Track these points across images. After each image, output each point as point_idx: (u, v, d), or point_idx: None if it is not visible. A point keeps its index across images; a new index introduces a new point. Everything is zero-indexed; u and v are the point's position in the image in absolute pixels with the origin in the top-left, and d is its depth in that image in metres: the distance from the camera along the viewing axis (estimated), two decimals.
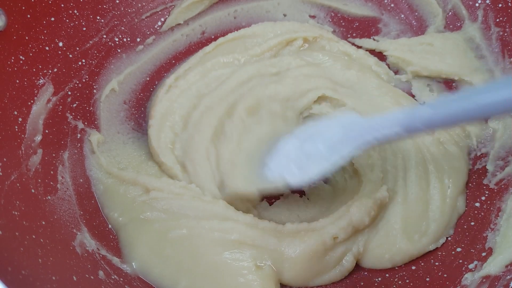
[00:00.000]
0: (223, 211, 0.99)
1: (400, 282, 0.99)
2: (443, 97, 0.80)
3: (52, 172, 1.02)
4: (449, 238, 1.02)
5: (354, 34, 1.26)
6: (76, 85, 1.11)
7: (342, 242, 0.98)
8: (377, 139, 0.84)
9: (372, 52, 1.23)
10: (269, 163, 0.95)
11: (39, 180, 0.98)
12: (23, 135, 0.98)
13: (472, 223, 1.03)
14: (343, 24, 1.28)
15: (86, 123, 1.12)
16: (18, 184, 0.92)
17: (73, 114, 1.11)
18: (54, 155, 1.04)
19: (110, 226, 1.05)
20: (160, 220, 1.01)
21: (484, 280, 0.89)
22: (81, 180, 1.07)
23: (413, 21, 1.23)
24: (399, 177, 1.05)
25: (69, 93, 1.10)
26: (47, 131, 1.04)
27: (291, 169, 0.91)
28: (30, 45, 1.02)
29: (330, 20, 1.28)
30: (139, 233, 1.01)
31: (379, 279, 1.01)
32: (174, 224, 1.00)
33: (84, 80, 1.13)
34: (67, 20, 1.10)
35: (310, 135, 0.93)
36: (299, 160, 0.91)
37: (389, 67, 1.22)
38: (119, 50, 1.20)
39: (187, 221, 0.99)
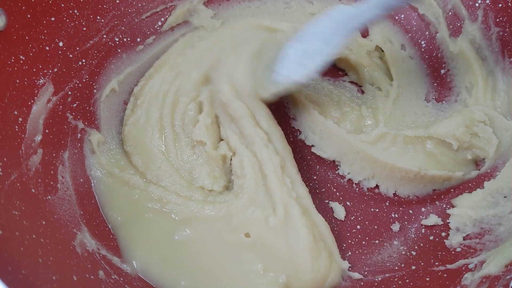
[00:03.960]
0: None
1: (400, 282, 1.00)
2: None
3: (52, 172, 1.02)
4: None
5: None
6: (76, 85, 1.11)
7: None
8: (361, 24, 0.97)
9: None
10: (276, 69, 1.06)
11: (39, 180, 0.98)
12: (23, 135, 0.98)
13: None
14: None
15: (86, 123, 1.12)
16: (18, 184, 0.92)
17: (73, 114, 1.11)
18: (54, 155, 1.04)
19: (110, 226, 1.05)
20: (166, 221, 1.02)
21: (484, 280, 0.89)
22: (81, 180, 1.07)
23: (413, 21, 1.23)
24: None
25: (69, 93, 1.10)
26: (47, 131, 1.04)
27: (294, 68, 1.03)
28: (30, 45, 1.02)
29: None
30: (141, 232, 1.01)
31: (379, 279, 1.01)
32: (181, 225, 1.00)
33: (84, 80, 1.13)
34: (67, 20, 1.10)
35: (305, 36, 1.04)
36: (299, 59, 1.03)
37: None
38: (119, 50, 1.20)
39: (196, 223, 1.00)
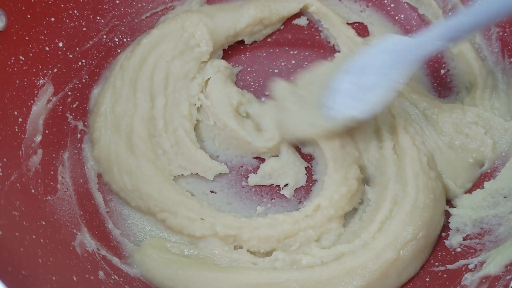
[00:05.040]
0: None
1: None
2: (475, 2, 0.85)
3: (52, 172, 1.02)
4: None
5: None
6: (76, 85, 1.11)
7: None
8: (423, 56, 0.91)
9: None
10: (328, 103, 0.98)
11: (39, 180, 0.98)
12: (23, 135, 0.98)
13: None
14: None
15: (86, 123, 1.12)
16: (18, 184, 0.92)
17: (73, 114, 1.11)
18: (54, 155, 1.04)
19: (110, 225, 1.05)
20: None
21: (484, 280, 0.89)
22: (81, 181, 1.07)
23: (413, 22, 1.23)
24: None
25: (69, 93, 1.10)
26: (47, 131, 1.04)
27: (351, 103, 0.95)
28: (30, 45, 1.02)
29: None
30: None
31: None
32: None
33: (84, 81, 1.13)
34: (67, 20, 1.10)
35: (361, 68, 0.96)
36: (356, 94, 0.95)
37: None
38: (119, 50, 1.20)
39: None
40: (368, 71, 0.95)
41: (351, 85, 0.96)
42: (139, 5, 1.23)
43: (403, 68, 0.92)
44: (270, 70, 1.23)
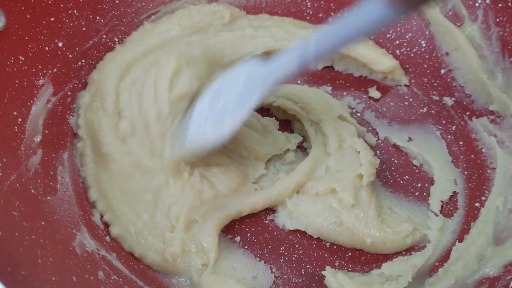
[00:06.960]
0: None
1: None
2: (324, 27, 0.80)
3: (51, 173, 1.02)
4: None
5: None
6: (75, 85, 1.11)
7: None
8: (276, 82, 0.87)
9: None
10: (187, 128, 0.97)
11: (39, 181, 0.98)
12: (22, 136, 0.98)
13: (472, 223, 1.03)
14: None
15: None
16: (17, 185, 0.92)
17: (73, 114, 1.11)
18: (53, 155, 1.04)
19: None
20: None
21: (484, 280, 0.89)
22: (80, 181, 1.07)
23: (413, 21, 1.23)
24: None
25: (69, 93, 1.10)
26: (46, 131, 1.04)
27: (204, 130, 0.93)
28: (30, 45, 1.02)
29: (331, 20, 1.28)
30: None
31: None
32: None
33: (83, 81, 1.13)
34: (67, 20, 1.10)
35: (216, 92, 0.95)
36: (210, 119, 0.93)
37: None
38: None
39: None
40: (219, 96, 0.93)
41: (204, 109, 0.95)
42: (139, 5, 1.23)
43: (255, 95, 0.89)
44: None
